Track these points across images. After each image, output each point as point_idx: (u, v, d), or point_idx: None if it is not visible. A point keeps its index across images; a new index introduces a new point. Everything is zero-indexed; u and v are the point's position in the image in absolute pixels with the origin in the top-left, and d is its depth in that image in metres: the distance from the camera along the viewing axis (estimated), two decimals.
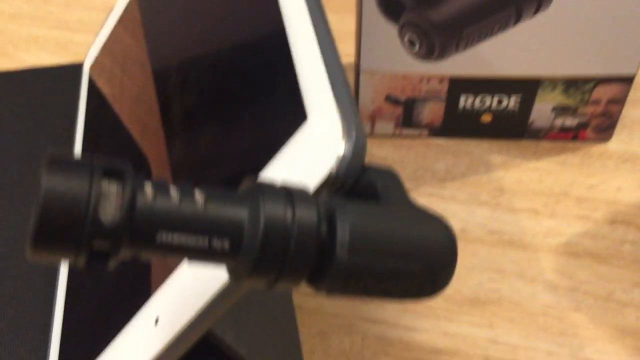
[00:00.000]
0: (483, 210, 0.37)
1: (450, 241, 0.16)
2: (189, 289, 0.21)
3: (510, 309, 0.33)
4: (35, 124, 0.41)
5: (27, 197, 0.37)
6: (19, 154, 0.39)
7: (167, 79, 0.30)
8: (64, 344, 0.29)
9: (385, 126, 0.40)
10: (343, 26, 0.45)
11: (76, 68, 0.43)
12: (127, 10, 0.39)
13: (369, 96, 0.38)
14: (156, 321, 0.22)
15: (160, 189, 0.14)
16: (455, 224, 0.37)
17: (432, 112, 0.39)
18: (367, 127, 0.40)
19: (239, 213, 0.14)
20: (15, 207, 0.36)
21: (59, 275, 0.33)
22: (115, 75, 0.38)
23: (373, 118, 0.40)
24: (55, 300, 0.32)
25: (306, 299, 0.34)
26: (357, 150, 0.17)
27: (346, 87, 0.18)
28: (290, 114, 0.19)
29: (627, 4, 0.34)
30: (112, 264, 0.14)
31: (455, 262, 0.17)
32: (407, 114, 0.39)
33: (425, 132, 0.40)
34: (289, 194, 0.15)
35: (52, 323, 0.31)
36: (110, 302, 0.27)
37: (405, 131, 0.40)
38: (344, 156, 0.17)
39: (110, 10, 0.41)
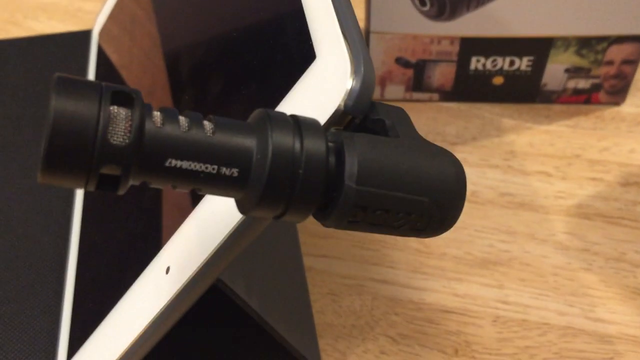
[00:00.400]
0: (494, 173, 0.37)
1: (460, 176, 0.16)
2: (199, 237, 0.21)
3: (521, 269, 0.33)
4: (45, 90, 0.41)
5: (37, 162, 0.37)
6: (30, 119, 0.40)
7: (174, 33, 0.30)
8: (77, 297, 0.29)
9: (395, 90, 0.40)
10: None
11: (85, 34, 0.43)
12: None
13: (379, 59, 0.38)
14: (167, 270, 0.22)
15: (169, 116, 0.14)
16: (467, 187, 0.36)
17: (442, 74, 0.39)
18: (377, 91, 0.40)
19: (248, 142, 0.14)
20: (25, 171, 0.37)
21: (71, 230, 0.33)
22: (124, 40, 0.38)
23: (383, 81, 0.39)
24: (68, 255, 0.32)
25: (316, 261, 0.34)
26: (365, 85, 0.16)
27: (355, 23, 0.17)
28: (299, 54, 0.19)
29: None
30: (122, 189, 0.14)
31: (464, 197, 0.16)
32: (417, 77, 0.39)
33: (435, 96, 0.40)
34: (298, 125, 0.15)
35: (65, 277, 0.31)
36: (122, 255, 0.27)
37: (416, 95, 0.40)
38: (351, 90, 0.16)
39: None
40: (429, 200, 0.16)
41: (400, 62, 0.38)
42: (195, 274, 0.21)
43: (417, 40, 0.37)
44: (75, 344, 0.27)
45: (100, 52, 0.41)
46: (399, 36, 0.37)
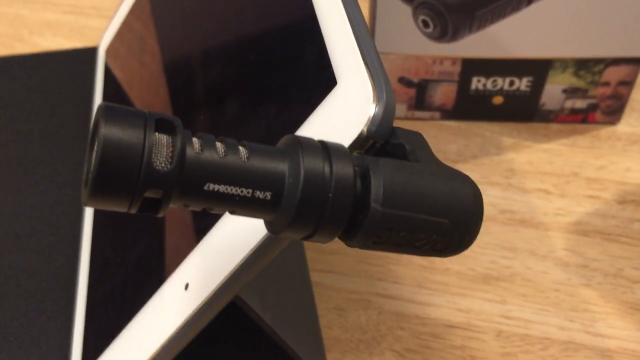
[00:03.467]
0: (495, 191, 0.38)
1: (477, 199, 0.17)
2: (219, 254, 0.22)
3: (522, 285, 0.34)
4: (52, 106, 0.42)
5: (46, 177, 0.38)
6: (37, 135, 0.40)
7: (185, 55, 0.30)
8: (89, 313, 0.29)
9: (398, 108, 0.40)
10: None
11: (91, 51, 0.44)
12: None
13: None
14: (186, 287, 0.23)
15: (207, 142, 0.15)
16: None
17: (444, 94, 0.40)
18: None
19: (280, 167, 0.15)
20: (34, 186, 0.37)
21: (81, 245, 0.33)
22: (132, 59, 0.38)
23: None
24: (79, 270, 0.32)
25: (323, 276, 0.34)
26: (387, 111, 0.17)
27: (374, 50, 0.18)
28: (319, 79, 0.19)
29: None
30: (162, 212, 0.14)
31: (481, 219, 0.17)
32: (419, 96, 0.40)
33: (437, 114, 0.41)
34: (326, 150, 0.16)
35: (76, 293, 0.31)
36: (135, 271, 0.27)
37: (418, 113, 0.41)
38: (374, 116, 0.17)
39: None
40: (449, 221, 0.16)
41: (403, 81, 0.39)
42: (216, 291, 0.21)
43: (420, 61, 0.38)
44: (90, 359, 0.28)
45: (107, 70, 0.42)
46: (402, 56, 0.38)
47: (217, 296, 0.21)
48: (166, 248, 0.26)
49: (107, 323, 0.28)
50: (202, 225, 0.23)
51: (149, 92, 0.34)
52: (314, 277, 0.34)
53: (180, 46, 0.32)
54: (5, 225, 0.35)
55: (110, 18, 0.43)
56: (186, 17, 0.32)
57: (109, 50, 0.42)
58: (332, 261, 0.35)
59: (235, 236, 0.21)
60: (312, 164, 0.15)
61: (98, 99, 0.40)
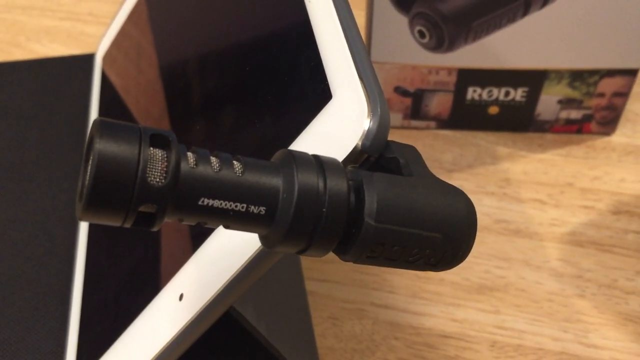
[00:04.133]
0: (490, 200, 0.38)
1: (471, 213, 0.17)
2: (214, 265, 0.22)
3: (516, 295, 0.34)
4: (48, 113, 0.42)
5: (42, 183, 0.38)
6: (34, 141, 0.40)
7: (182, 64, 0.31)
8: (83, 321, 0.29)
9: (394, 117, 0.41)
10: None
11: (88, 58, 0.44)
12: (137, 3, 0.40)
13: None
14: (180, 297, 0.23)
15: (202, 156, 0.15)
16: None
17: (440, 103, 0.40)
18: None
19: (274, 181, 0.15)
20: (29, 193, 0.37)
21: (76, 253, 0.33)
22: (129, 67, 0.38)
23: None
24: (74, 278, 0.32)
25: (318, 285, 0.34)
26: (382, 125, 0.17)
27: (369, 64, 0.18)
28: (315, 93, 0.20)
29: None
30: (157, 226, 0.14)
31: (475, 233, 0.17)
32: (415, 106, 0.40)
33: (433, 124, 0.41)
34: (320, 164, 0.16)
35: (71, 301, 0.31)
36: (130, 280, 0.27)
37: (414, 123, 0.41)
38: (369, 130, 0.17)
39: (121, 2, 0.42)
40: (442, 236, 0.16)
41: (399, 91, 0.39)
42: (210, 302, 0.21)
43: (416, 71, 0.38)
44: None
45: (104, 77, 0.42)
46: (398, 66, 0.38)
47: (211, 307, 0.21)
48: (161, 258, 0.26)
49: (101, 332, 0.28)
50: (198, 235, 0.23)
51: (146, 99, 0.34)
52: (309, 285, 0.34)
53: (177, 54, 0.32)
54: (1, 231, 0.35)
55: (108, 25, 0.43)
56: (184, 25, 0.32)
57: (106, 57, 0.42)
58: (327, 270, 0.35)
59: (231, 247, 0.21)
60: (306, 178, 0.15)
61: (95, 105, 0.41)
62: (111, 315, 0.27)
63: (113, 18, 0.42)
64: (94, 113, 0.40)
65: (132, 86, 0.37)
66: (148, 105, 0.33)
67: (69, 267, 0.33)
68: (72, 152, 0.39)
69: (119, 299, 0.27)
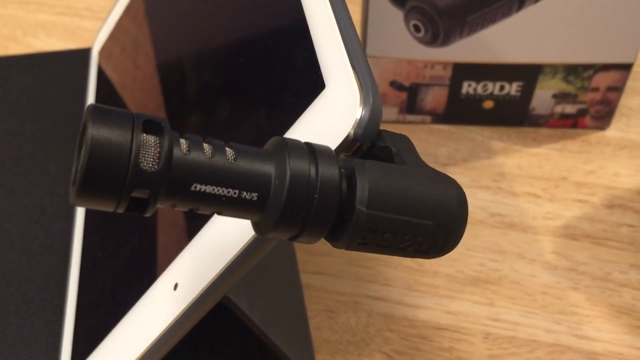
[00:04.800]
0: (484, 194, 0.38)
1: (462, 201, 0.17)
2: (208, 254, 0.22)
3: (510, 288, 0.34)
4: (45, 107, 0.42)
5: (39, 178, 0.38)
6: (30, 136, 0.40)
7: (177, 57, 0.31)
8: (79, 312, 0.29)
9: (389, 112, 0.41)
10: None
11: (84, 53, 0.44)
12: None
13: None
14: (175, 287, 0.23)
15: (195, 143, 0.15)
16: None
17: (435, 98, 0.40)
18: None
19: (266, 168, 0.15)
20: (25, 186, 0.37)
21: (72, 245, 0.33)
22: (125, 61, 0.38)
23: None
24: (70, 270, 0.32)
25: (313, 278, 0.34)
26: (374, 114, 0.18)
27: (362, 54, 0.19)
28: (308, 83, 0.20)
29: None
30: (149, 211, 0.14)
31: (465, 221, 0.17)
32: (410, 100, 0.40)
33: (428, 118, 0.41)
34: (313, 152, 0.16)
35: (67, 293, 0.31)
36: (125, 271, 0.27)
37: (409, 117, 0.41)
38: (361, 119, 0.17)
39: None
40: (433, 223, 0.17)
41: (395, 85, 0.40)
42: (205, 291, 0.21)
43: (411, 65, 0.38)
44: (79, 359, 0.28)
45: (100, 71, 0.42)
46: (393, 60, 0.38)
47: (205, 296, 0.22)
48: (157, 248, 0.26)
49: (96, 323, 0.28)
50: (193, 225, 0.23)
51: (142, 93, 0.34)
52: (304, 278, 0.34)
53: (173, 48, 0.32)
54: None
55: (104, 20, 0.43)
56: (180, 19, 0.32)
57: (102, 52, 0.43)
58: (322, 262, 0.35)
59: (225, 236, 0.21)
60: (298, 165, 0.15)
61: (91, 100, 0.41)
62: (107, 306, 0.28)
63: (109, 12, 0.42)
64: (86, 107, 0.40)
65: (129, 80, 0.37)
66: (144, 99, 0.34)
67: (65, 260, 0.33)
68: (68, 147, 0.39)
69: (114, 290, 0.28)
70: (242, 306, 0.24)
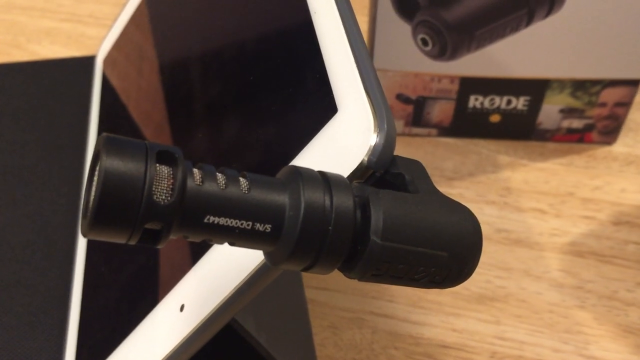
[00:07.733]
0: (490, 209, 0.38)
1: (477, 231, 0.17)
2: (216, 276, 0.22)
3: (516, 306, 0.34)
4: (48, 115, 0.41)
5: (42, 187, 0.37)
6: (33, 144, 0.40)
7: (185, 71, 0.30)
8: (82, 329, 0.29)
9: (395, 124, 0.41)
10: None
11: (88, 60, 0.44)
12: (138, 6, 0.40)
13: None
14: (181, 308, 0.23)
15: (208, 173, 0.15)
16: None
17: (442, 111, 0.40)
18: None
19: (280, 199, 0.15)
20: (28, 197, 0.37)
21: (75, 259, 0.33)
22: (131, 72, 0.38)
23: None
24: (72, 284, 0.32)
25: (318, 293, 0.34)
26: (388, 141, 0.17)
27: (375, 78, 0.18)
28: (320, 106, 0.19)
29: (635, 9, 0.34)
30: (162, 243, 0.14)
31: (480, 251, 0.17)
32: (417, 113, 0.40)
33: (434, 131, 0.41)
34: (327, 181, 0.16)
35: (69, 308, 0.31)
36: (130, 288, 0.27)
37: (415, 130, 0.41)
38: (375, 146, 0.17)
39: (123, 4, 0.41)
40: (448, 254, 0.16)
41: (401, 98, 0.39)
42: (212, 314, 0.21)
43: (418, 78, 0.38)
44: None
45: (105, 80, 0.41)
46: (400, 73, 0.38)
47: (213, 319, 0.21)
48: (161, 267, 0.25)
49: (100, 341, 0.27)
50: (199, 246, 0.23)
51: (147, 102, 0.34)
52: (309, 294, 0.34)
53: (178, 57, 0.32)
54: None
55: (109, 27, 0.43)
56: (185, 28, 0.32)
57: (107, 60, 0.42)
58: (327, 278, 0.35)
59: (233, 259, 0.21)
60: (313, 196, 0.15)
61: (95, 108, 0.40)
62: (111, 323, 0.27)
63: (115, 20, 0.42)
64: (94, 116, 0.40)
65: (133, 90, 0.36)
66: (149, 109, 0.33)
67: (68, 272, 0.33)
68: (71, 156, 0.39)
69: (118, 307, 0.27)
70: (249, 327, 0.24)
